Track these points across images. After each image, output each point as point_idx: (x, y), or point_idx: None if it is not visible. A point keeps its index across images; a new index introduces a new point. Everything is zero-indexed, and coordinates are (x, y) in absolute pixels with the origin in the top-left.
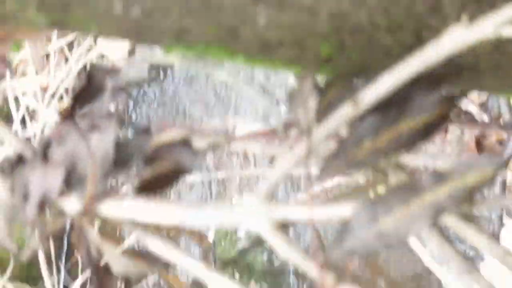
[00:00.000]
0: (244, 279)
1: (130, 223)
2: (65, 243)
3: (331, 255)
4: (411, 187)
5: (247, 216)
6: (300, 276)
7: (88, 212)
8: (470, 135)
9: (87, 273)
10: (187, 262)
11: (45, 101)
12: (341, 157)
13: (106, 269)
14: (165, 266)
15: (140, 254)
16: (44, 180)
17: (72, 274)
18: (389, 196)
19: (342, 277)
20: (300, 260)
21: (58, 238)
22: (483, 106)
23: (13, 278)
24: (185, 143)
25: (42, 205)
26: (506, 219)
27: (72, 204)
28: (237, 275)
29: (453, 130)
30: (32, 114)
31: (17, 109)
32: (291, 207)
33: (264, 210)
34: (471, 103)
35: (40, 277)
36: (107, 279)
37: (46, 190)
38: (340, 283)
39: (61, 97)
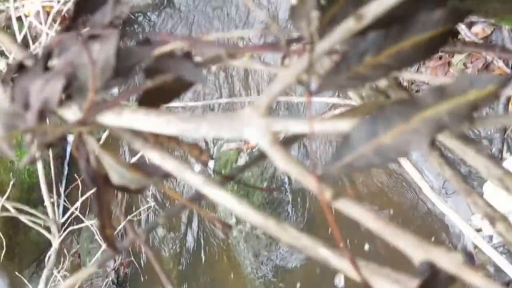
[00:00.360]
0: None
1: (129, 134)
2: (66, 168)
3: (330, 169)
4: (411, 103)
5: (248, 127)
6: (298, 207)
7: (88, 121)
8: (473, 69)
9: (86, 195)
10: (186, 174)
11: (48, 23)
12: (342, 71)
13: (105, 179)
14: (164, 178)
15: (138, 166)
16: (44, 88)
17: (72, 198)
18: (389, 111)
19: (340, 192)
20: (299, 174)
21: (59, 163)
22: (487, 40)
23: (13, 201)
24: (186, 56)
25: (42, 113)
26: (506, 154)
27: (72, 113)
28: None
29: (456, 63)
30: (34, 36)
31: (20, 30)
32: (291, 120)
33: (265, 122)
34: (474, 36)
35: (39, 201)
36: (106, 189)
37: (46, 98)
38: (338, 198)
39: (64, 19)
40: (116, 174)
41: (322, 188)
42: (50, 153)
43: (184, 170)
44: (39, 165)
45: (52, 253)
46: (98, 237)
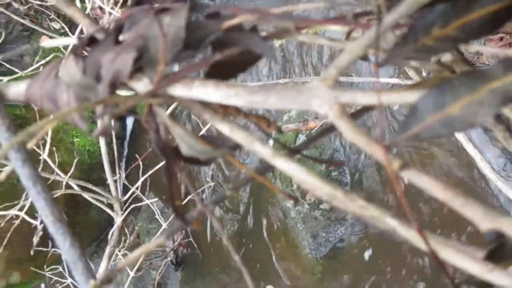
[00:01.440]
0: (302, 189)
1: (198, 106)
2: (126, 148)
3: (397, 139)
4: (479, 75)
5: (315, 99)
6: (357, 188)
7: (158, 93)
8: None
9: (147, 175)
10: (256, 146)
11: (110, 3)
12: (410, 43)
13: (175, 151)
14: (232, 149)
15: (207, 137)
16: (116, 61)
17: (131, 179)
18: (456, 82)
19: (407, 162)
20: (366, 144)
21: (119, 144)
22: None
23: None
24: (254, 29)
25: (113, 85)
26: None
27: (142, 85)
28: (294, 186)
29: None
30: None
31: (85, 8)
32: (359, 92)
33: (333, 94)
34: None
35: (99, 182)
36: (176, 161)
37: (117, 70)
38: (406, 168)
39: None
40: (186, 145)
41: (389, 158)
42: (113, 132)
43: (253, 141)
44: (102, 143)
45: (115, 230)
46: (158, 216)
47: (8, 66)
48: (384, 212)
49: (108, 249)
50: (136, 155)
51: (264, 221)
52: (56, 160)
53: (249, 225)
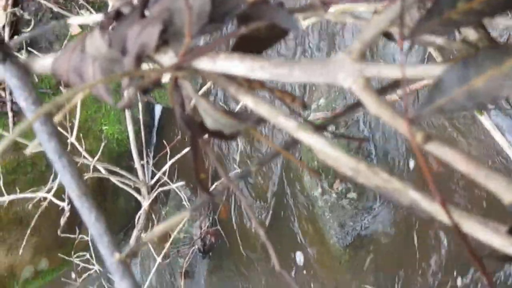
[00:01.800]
0: (330, 178)
1: (223, 79)
2: (154, 136)
3: (421, 112)
4: (504, 49)
5: (340, 72)
6: None
7: (183, 66)
8: None
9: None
10: (280, 119)
11: None
12: (434, 17)
13: (200, 125)
14: (257, 123)
15: (232, 112)
16: (141, 34)
17: (160, 167)
18: (482, 56)
19: (431, 136)
20: (390, 117)
21: (147, 132)
22: None
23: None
24: (281, 3)
25: (139, 58)
26: None
27: (168, 58)
28: (322, 175)
29: None
30: None
31: None
32: (383, 65)
33: (357, 67)
34: None
35: (128, 169)
36: (201, 134)
37: (143, 44)
38: (430, 140)
39: None
40: (211, 118)
41: (413, 131)
42: (141, 119)
43: (278, 115)
44: (130, 128)
45: (142, 213)
46: (185, 202)
47: (37, 53)
48: (407, 185)
49: (135, 232)
50: (164, 142)
51: (292, 210)
52: (83, 146)
53: (277, 214)
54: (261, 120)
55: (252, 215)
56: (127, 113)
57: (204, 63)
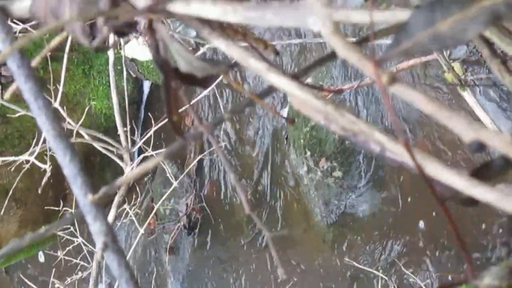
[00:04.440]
0: (316, 156)
1: (197, 22)
2: (142, 112)
3: (387, 54)
4: None
5: (310, 16)
6: (369, 157)
7: (158, 8)
8: None
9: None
10: (251, 61)
11: None
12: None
13: (174, 69)
14: (229, 67)
15: (205, 58)
16: None
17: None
18: (447, 0)
19: (396, 77)
20: (358, 59)
21: (135, 109)
22: None
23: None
24: None
25: (115, 0)
26: None
27: (143, 1)
28: (308, 153)
29: None
30: None
31: None
32: (352, 10)
33: (327, 11)
34: None
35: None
36: (174, 77)
37: None
38: (394, 82)
39: None
40: (184, 61)
41: (379, 73)
42: (126, 91)
43: (249, 57)
44: (113, 93)
45: (123, 179)
46: (168, 175)
47: None
48: (373, 127)
49: (116, 198)
50: (151, 117)
51: (277, 188)
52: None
53: (262, 192)
54: (233, 65)
55: (233, 175)
56: (112, 82)
57: (178, 6)
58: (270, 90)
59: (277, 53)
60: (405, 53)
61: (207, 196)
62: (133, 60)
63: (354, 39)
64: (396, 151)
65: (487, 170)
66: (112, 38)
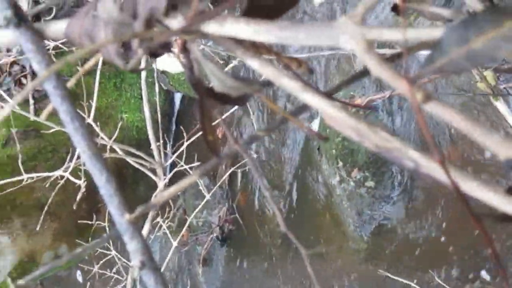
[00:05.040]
0: (348, 167)
1: (231, 43)
2: (173, 125)
3: (421, 72)
4: (503, 10)
5: (343, 35)
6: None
7: (192, 29)
8: None
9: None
10: (285, 80)
11: None
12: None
13: (208, 88)
14: (263, 86)
15: (239, 76)
16: None
17: (180, 155)
18: (481, 18)
19: (431, 95)
20: (391, 77)
21: (166, 121)
22: None
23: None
24: None
25: (149, 22)
26: None
27: (177, 22)
28: (340, 163)
29: None
30: None
31: None
32: (385, 29)
33: (360, 30)
34: None
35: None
36: (208, 96)
37: (153, 7)
38: (429, 100)
39: None
40: (217, 80)
41: (413, 91)
42: (158, 103)
43: (282, 76)
44: (146, 108)
45: (157, 194)
46: (201, 187)
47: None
48: (407, 144)
49: (150, 213)
50: (184, 132)
51: (309, 198)
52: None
53: (294, 202)
54: (266, 83)
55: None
56: (144, 95)
57: (211, 27)
58: (304, 108)
59: (311, 72)
60: (439, 70)
61: (239, 208)
62: (164, 72)
63: (387, 53)
64: (431, 168)
65: None
66: (145, 58)
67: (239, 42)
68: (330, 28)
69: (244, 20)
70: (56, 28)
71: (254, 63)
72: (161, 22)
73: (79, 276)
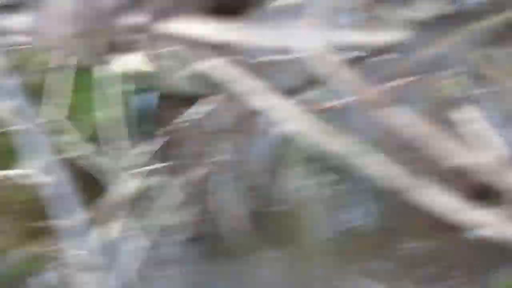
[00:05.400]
0: (317, 170)
1: (192, 41)
2: (145, 122)
3: (382, 75)
4: (467, 15)
5: (304, 37)
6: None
7: (154, 25)
8: None
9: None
10: (247, 82)
11: None
12: None
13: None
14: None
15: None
16: None
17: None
18: (445, 22)
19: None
20: (348, 83)
21: (137, 119)
22: None
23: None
24: None
25: (113, 18)
26: None
27: (140, 19)
28: (309, 166)
29: None
30: None
31: None
32: (347, 31)
33: (321, 33)
34: None
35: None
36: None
37: (117, 4)
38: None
39: None
40: (179, 80)
41: (368, 96)
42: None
43: (242, 77)
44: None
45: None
46: (175, 193)
47: None
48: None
49: (119, 213)
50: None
51: (279, 201)
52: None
53: (261, 204)
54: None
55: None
56: (115, 92)
57: (178, 27)
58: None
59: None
60: (401, 74)
61: (212, 208)
62: (136, 71)
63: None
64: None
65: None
66: (113, 54)
67: (200, 40)
68: (292, 29)
69: (212, 21)
70: (21, 20)
71: (214, 64)
72: (126, 19)
73: None
